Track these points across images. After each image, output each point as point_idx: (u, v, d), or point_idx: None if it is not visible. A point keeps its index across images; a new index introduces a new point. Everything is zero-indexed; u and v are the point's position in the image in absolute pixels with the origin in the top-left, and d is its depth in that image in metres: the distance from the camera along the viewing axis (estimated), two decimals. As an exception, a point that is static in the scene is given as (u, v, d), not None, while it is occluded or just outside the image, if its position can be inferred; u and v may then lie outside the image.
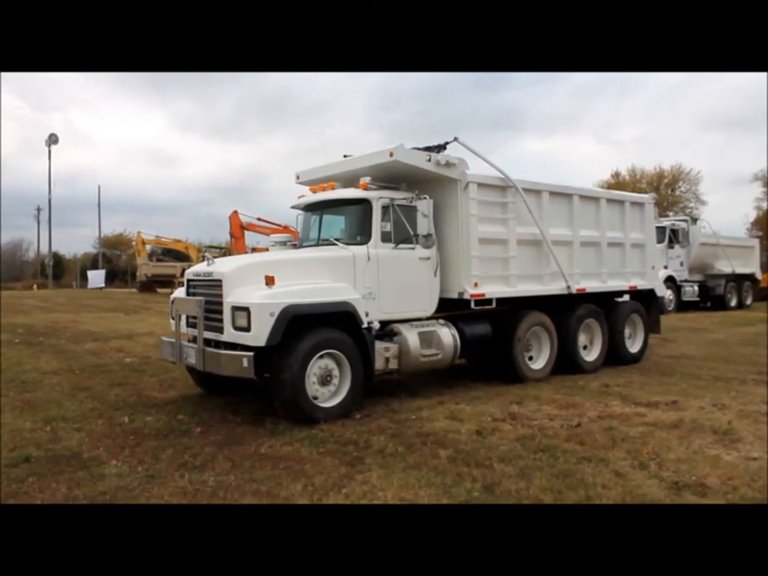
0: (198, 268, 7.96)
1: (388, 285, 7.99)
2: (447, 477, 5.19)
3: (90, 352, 13.00)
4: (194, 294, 7.74)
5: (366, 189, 8.17)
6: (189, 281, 7.96)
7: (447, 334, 8.47)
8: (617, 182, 52.96)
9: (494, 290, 8.96)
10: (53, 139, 60.88)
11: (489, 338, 9.11)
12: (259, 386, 7.47)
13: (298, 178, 9.90)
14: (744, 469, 5.32)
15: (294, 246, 9.36)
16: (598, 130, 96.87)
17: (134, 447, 6.20)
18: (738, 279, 25.39)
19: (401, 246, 8.15)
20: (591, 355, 10.42)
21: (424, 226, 8.20)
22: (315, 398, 7.02)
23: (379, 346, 7.75)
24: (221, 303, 7.09)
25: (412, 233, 8.19)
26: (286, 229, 23.13)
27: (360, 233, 8.17)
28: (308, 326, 7.00)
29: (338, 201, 8.59)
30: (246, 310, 6.73)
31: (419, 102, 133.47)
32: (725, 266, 24.56)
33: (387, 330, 8.08)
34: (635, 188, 48.03)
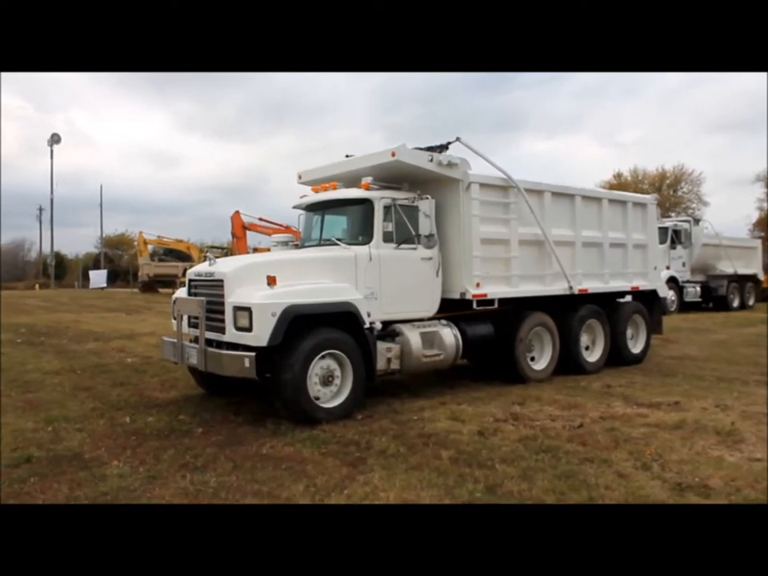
0: (200, 268, 7.96)
1: (390, 285, 7.98)
2: (449, 478, 5.17)
3: (92, 352, 13.01)
4: (195, 294, 7.73)
5: (367, 189, 8.15)
6: (190, 281, 7.95)
7: (449, 335, 8.46)
8: (619, 183, 52.92)
9: (496, 291, 8.95)
10: (55, 139, 61.04)
11: (491, 339, 9.09)
12: (261, 386, 7.46)
13: (300, 177, 9.90)
14: (747, 470, 5.30)
15: (296, 246, 9.35)
16: (600, 132, 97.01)
17: (136, 448, 6.19)
18: (741, 280, 25.34)
19: (403, 246, 8.14)
20: (593, 356, 10.41)
21: (426, 226, 8.18)
22: (317, 398, 7.01)
23: (381, 346, 7.74)
24: (222, 303, 7.08)
25: (414, 233, 8.18)
26: (287, 229, 23.14)
27: (362, 233, 8.16)
28: (310, 327, 6.99)
29: (340, 201, 8.58)
30: (248, 310, 6.72)
31: (421, 104, 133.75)
32: (727, 267, 24.52)
33: (389, 331, 8.07)
34: (637, 188, 47.96)
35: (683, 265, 23.52)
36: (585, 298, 10.26)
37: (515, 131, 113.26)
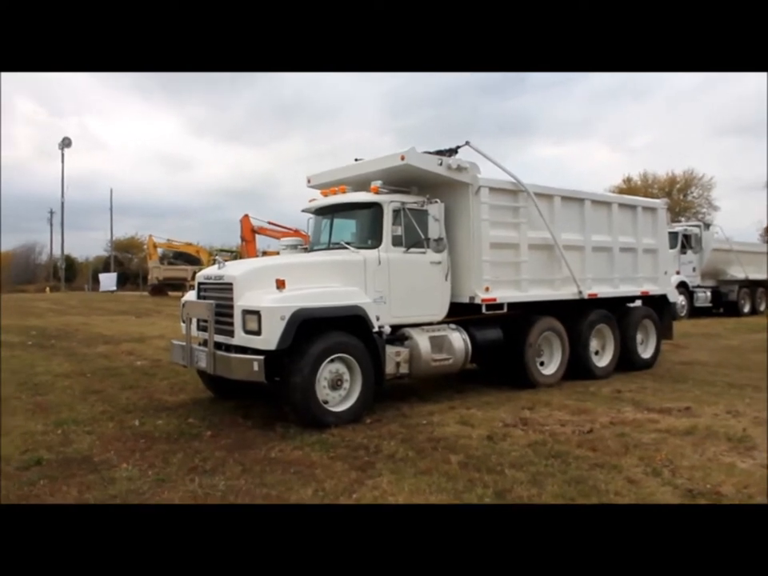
0: (209, 271, 7.98)
1: (399, 289, 7.97)
2: (458, 482, 5.15)
3: (102, 355, 13.05)
4: (204, 298, 7.74)
5: (377, 192, 8.15)
6: (200, 284, 7.97)
7: (458, 339, 8.43)
8: (628, 188, 52.76)
9: (506, 295, 8.92)
10: (66, 143, 61.36)
11: (500, 343, 9.06)
12: (270, 389, 7.47)
13: (309, 181, 9.91)
14: (760, 476, 5.25)
15: (305, 250, 9.36)
16: (610, 137, 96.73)
17: (145, 451, 6.20)
18: (752, 285, 25.16)
19: (412, 250, 8.13)
20: (603, 361, 10.36)
21: (435, 229, 8.16)
22: (326, 402, 7.00)
23: (390, 350, 7.72)
24: (231, 306, 7.09)
25: (423, 237, 8.17)
26: (296, 232, 23.18)
27: (371, 236, 8.15)
28: (319, 330, 6.99)
29: (349, 204, 8.58)
30: (257, 313, 6.72)
31: (431, 108, 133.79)
32: (738, 272, 24.37)
33: (398, 335, 8.06)
34: (647, 193, 47.78)
35: (693, 270, 23.39)
36: (594, 302, 10.21)
37: (525, 136, 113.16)
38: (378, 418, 7.36)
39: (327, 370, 7.01)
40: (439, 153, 8.73)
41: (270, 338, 6.66)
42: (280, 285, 6.89)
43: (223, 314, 7.20)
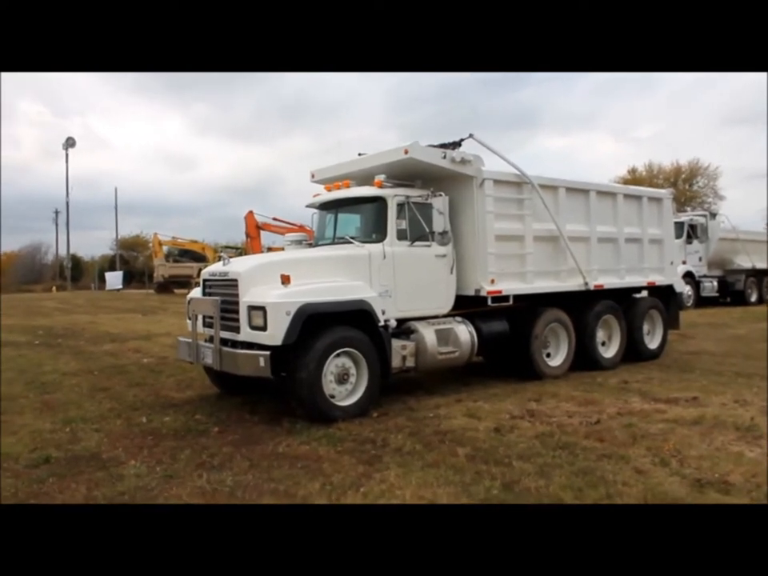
0: (214, 268, 7.98)
1: (404, 282, 7.96)
2: (466, 475, 5.15)
3: (109, 353, 13.09)
4: (210, 294, 7.75)
5: (381, 187, 8.13)
6: (205, 281, 7.97)
7: (464, 332, 8.43)
8: (633, 178, 52.59)
9: (511, 287, 8.90)
10: (70, 143, 61.37)
11: (506, 335, 9.04)
12: (276, 385, 7.47)
13: (312, 176, 9.91)
14: (768, 466, 5.23)
15: (310, 245, 9.35)
16: (615, 128, 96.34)
17: (153, 447, 6.22)
18: (758, 274, 25.07)
19: (417, 243, 8.11)
20: (609, 351, 10.34)
21: (440, 223, 8.13)
22: (332, 396, 7.01)
23: (396, 344, 7.72)
24: (237, 303, 7.09)
25: (428, 230, 8.15)
26: (301, 228, 23.14)
27: (375, 231, 8.14)
28: (324, 325, 6.99)
29: (353, 199, 8.56)
30: (262, 309, 6.73)
31: (435, 103, 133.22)
32: (744, 261, 24.28)
33: (404, 328, 8.05)
34: (652, 183, 47.61)
35: (700, 259, 23.33)
36: (600, 293, 10.17)
37: (530, 129, 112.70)
38: (385, 411, 7.36)
39: (333, 365, 7.01)
40: (443, 146, 8.71)
41: (275, 334, 6.66)
42: (285, 280, 6.89)
43: (229, 310, 7.21)
